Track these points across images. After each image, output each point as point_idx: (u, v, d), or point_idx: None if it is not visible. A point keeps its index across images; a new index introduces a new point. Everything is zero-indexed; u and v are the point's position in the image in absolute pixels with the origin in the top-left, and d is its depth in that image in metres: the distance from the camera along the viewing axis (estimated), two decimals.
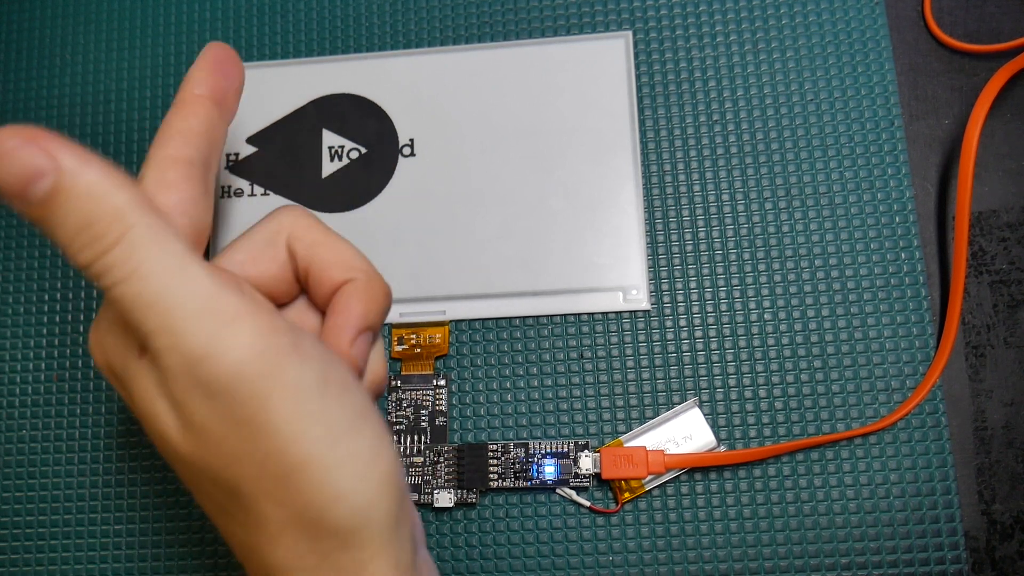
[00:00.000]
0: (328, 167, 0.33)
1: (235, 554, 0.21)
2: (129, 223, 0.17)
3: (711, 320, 0.31)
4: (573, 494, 0.30)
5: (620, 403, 0.31)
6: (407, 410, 0.31)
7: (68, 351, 0.33)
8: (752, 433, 0.30)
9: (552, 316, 0.32)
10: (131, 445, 0.32)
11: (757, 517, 0.29)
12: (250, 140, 0.34)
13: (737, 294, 0.31)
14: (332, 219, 0.33)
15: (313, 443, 0.19)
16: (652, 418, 0.30)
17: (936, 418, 0.30)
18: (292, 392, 0.18)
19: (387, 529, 0.20)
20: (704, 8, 0.34)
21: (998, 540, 0.29)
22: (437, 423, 0.31)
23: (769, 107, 0.33)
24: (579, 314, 0.32)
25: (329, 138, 0.34)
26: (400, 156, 0.33)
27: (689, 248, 0.32)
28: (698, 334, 0.31)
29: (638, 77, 0.33)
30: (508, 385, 0.31)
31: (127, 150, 0.35)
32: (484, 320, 0.32)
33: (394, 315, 0.32)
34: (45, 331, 0.33)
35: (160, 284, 0.17)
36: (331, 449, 0.19)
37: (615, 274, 0.31)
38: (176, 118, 0.21)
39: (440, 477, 0.30)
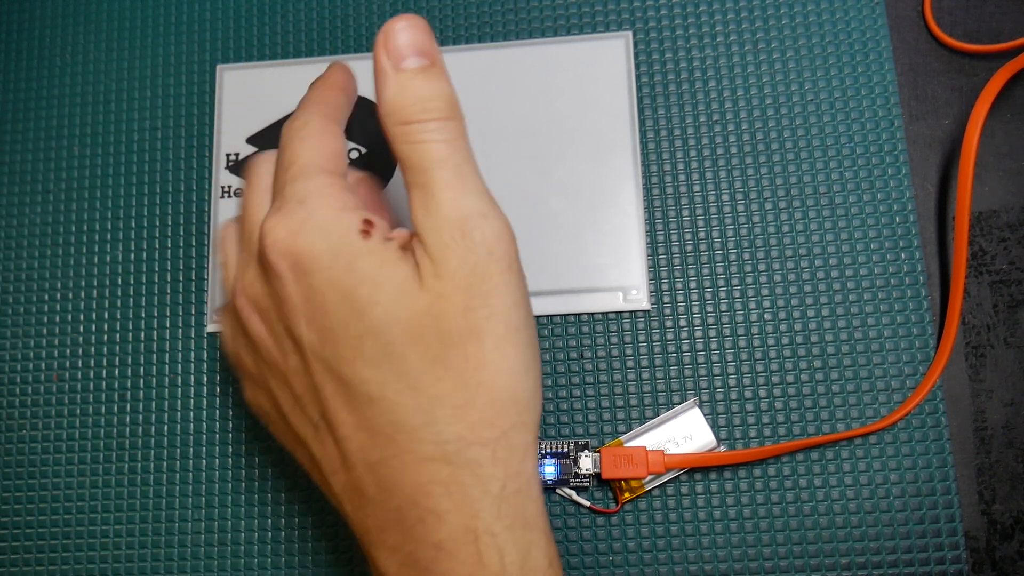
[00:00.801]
0: None
1: (374, 449, 0.21)
2: (458, 113, 0.23)
3: (711, 320, 0.31)
4: (573, 494, 0.30)
5: (620, 403, 0.31)
6: None
7: (68, 351, 0.33)
8: (752, 433, 0.30)
9: (552, 316, 0.32)
10: (131, 446, 0.32)
11: (757, 517, 0.29)
12: (250, 140, 0.34)
13: (737, 294, 0.31)
14: None
15: (525, 312, 0.22)
16: (652, 418, 0.30)
17: (936, 418, 0.30)
18: (520, 271, 0.22)
19: (539, 420, 0.23)
20: (704, 8, 0.34)
21: (998, 540, 0.29)
22: None
23: (769, 107, 0.33)
24: (579, 314, 0.32)
25: None
26: None
27: (689, 248, 0.32)
28: (698, 334, 0.31)
29: (638, 77, 0.33)
30: None
31: (127, 150, 0.35)
32: None
33: None
34: (45, 331, 0.33)
35: (464, 156, 0.22)
36: (530, 329, 0.22)
37: (615, 274, 0.31)
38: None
39: None
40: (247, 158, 0.25)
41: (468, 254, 0.21)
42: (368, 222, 0.22)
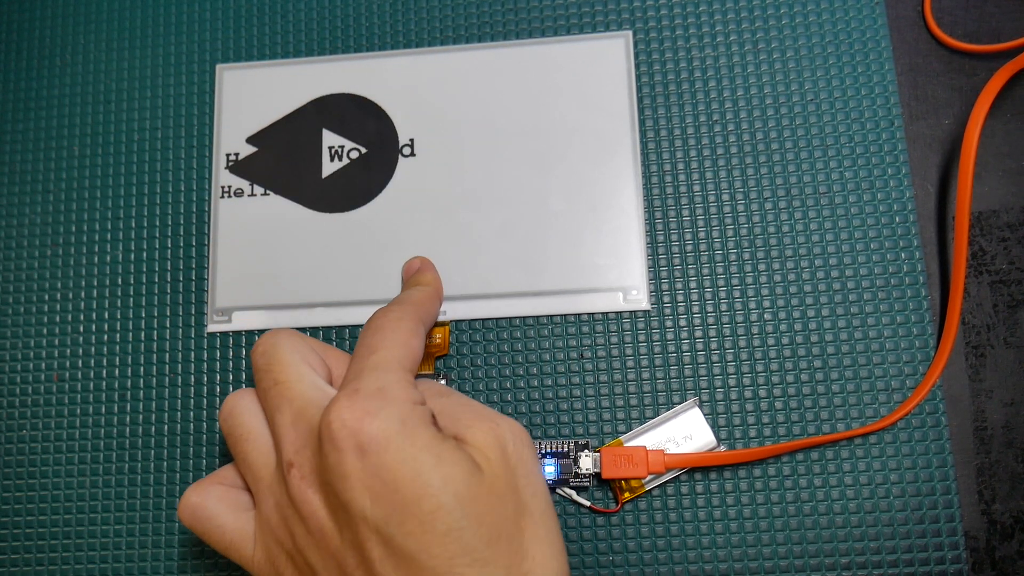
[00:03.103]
0: (328, 167, 0.33)
1: None
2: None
3: (711, 320, 0.31)
4: (573, 494, 0.30)
5: (620, 403, 0.31)
6: None
7: (68, 351, 0.33)
8: (752, 433, 0.30)
9: (552, 316, 0.32)
10: (131, 446, 0.32)
11: (757, 517, 0.29)
12: (250, 140, 0.34)
13: (737, 294, 0.31)
14: (332, 219, 0.33)
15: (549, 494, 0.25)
16: (652, 418, 0.30)
17: (936, 418, 0.30)
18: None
19: None
20: (704, 8, 0.34)
21: (998, 540, 0.29)
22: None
23: (769, 107, 0.33)
24: (579, 314, 0.32)
25: (329, 138, 0.34)
26: (400, 156, 0.33)
27: (689, 248, 0.32)
28: (698, 334, 0.31)
29: (638, 77, 0.33)
30: (508, 385, 0.31)
31: (127, 150, 0.35)
32: (484, 320, 0.32)
33: None
34: (45, 331, 0.33)
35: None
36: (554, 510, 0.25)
37: (615, 274, 0.31)
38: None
39: None
40: (262, 339, 0.26)
41: (507, 445, 0.24)
42: (434, 417, 0.24)
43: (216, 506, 0.25)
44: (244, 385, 0.32)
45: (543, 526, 0.23)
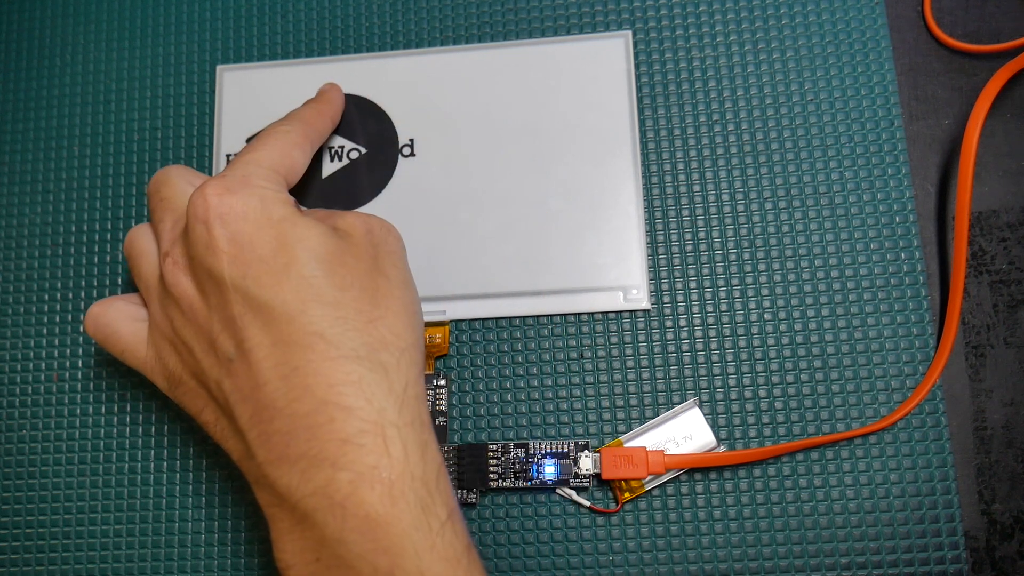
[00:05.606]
0: (328, 167, 0.33)
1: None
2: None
3: (711, 320, 0.31)
4: (573, 494, 0.30)
5: (620, 403, 0.31)
6: None
7: (68, 351, 0.33)
8: (752, 433, 0.30)
9: (552, 316, 0.32)
10: (131, 445, 0.32)
11: (757, 517, 0.29)
12: (250, 140, 0.34)
13: (737, 294, 0.31)
14: None
15: (412, 281, 0.27)
16: (652, 418, 0.30)
17: (936, 418, 0.30)
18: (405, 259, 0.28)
19: (424, 359, 0.27)
20: (704, 8, 0.34)
21: (998, 540, 0.29)
22: (437, 423, 0.31)
23: (769, 107, 0.33)
24: (579, 314, 0.32)
25: (329, 138, 0.34)
26: (400, 156, 0.33)
27: (689, 248, 0.32)
28: (698, 334, 0.31)
29: (638, 77, 0.33)
30: (508, 385, 0.31)
31: (127, 150, 0.35)
32: (484, 320, 0.32)
33: None
34: (45, 331, 0.33)
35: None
36: (417, 295, 0.27)
37: (615, 274, 0.31)
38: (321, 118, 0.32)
39: None
40: (155, 174, 0.29)
41: (373, 229, 0.26)
42: (297, 204, 0.26)
43: (115, 316, 0.28)
44: None
45: (398, 293, 0.26)
